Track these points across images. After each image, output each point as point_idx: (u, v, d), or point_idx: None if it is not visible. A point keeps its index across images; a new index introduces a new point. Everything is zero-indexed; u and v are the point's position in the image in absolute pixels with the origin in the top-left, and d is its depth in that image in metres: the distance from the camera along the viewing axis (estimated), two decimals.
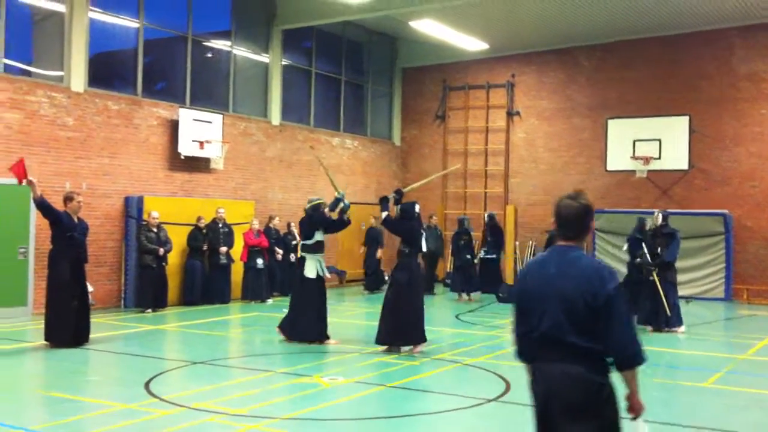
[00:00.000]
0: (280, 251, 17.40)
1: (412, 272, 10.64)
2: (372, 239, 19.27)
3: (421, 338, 10.53)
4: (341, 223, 11.82)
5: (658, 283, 12.94)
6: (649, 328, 13.09)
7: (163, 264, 14.81)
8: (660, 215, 13.44)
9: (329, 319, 11.55)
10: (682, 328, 13.08)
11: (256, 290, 16.61)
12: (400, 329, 10.41)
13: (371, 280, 19.38)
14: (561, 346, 3.64)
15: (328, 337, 11.30)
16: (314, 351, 10.73)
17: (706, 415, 7.57)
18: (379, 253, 19.20)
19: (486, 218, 18.96)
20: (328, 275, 11.83)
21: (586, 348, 3.61)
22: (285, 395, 8.02)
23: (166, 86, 17.26)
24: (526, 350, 3.87)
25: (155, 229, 14.66)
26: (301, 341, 11.11)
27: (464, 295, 17.71)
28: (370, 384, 8.59)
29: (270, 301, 16.64)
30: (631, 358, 3.63)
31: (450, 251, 19.21)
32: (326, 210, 11.76)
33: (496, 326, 13.72)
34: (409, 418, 7.25)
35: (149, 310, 14.48)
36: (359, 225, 21.41)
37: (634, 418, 3.79)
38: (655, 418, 7.18)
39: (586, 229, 3.91)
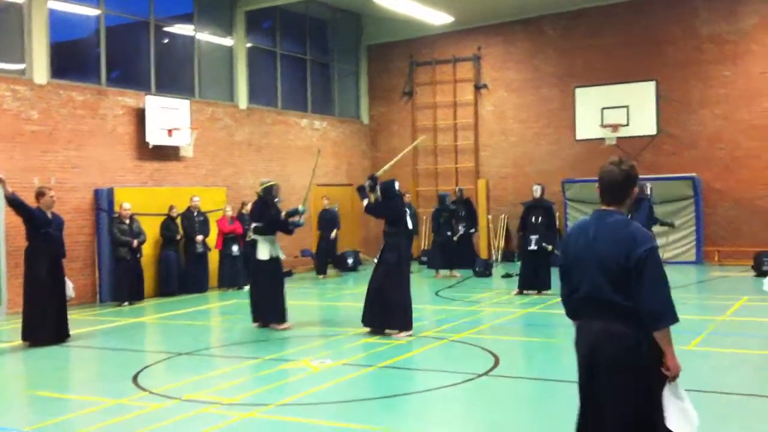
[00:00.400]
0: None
1: (400, 253, 10.45)
2: (327, 222, 18.79)
3: (408, 325, 10.33)
4: (284, 227, 11.53)
5: None
6: None
7: (138, 256, 14.63)
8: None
9: (290, 302, 11.49)
10: None
11: (232, 278, 16.49)
12: (388, 312, 10.29)
13: (323, 263, 18.89)
14: (602, 305, 3.89)
15: (284, 320, 11.17)
16: (299, 335, 10.68)
17: (695, 378, 7.64)
18: (334, 233, 18.75)
19: (457, 193, 18.85)
20: (282, 256, 11.46)
21: (625, 306, 3.83)
22: (275, 381, 7.98)
23: (130, 74, 16.95)
24: (572, 309, 4.16)
25: (127, 221, 14.45)
26: (264, 325, 11.10)
27: (448, 272, 17.62)
28: (359, 365, 8.58)
29: (247, 287, 16.48)
30: (659, 319, 3.79)
31: (430, 228, 19.08)
32: (278, 202, 11.55)
33: (476, 301, 13.78)
34: (403, 398, 7.25)
35: (126, 303, 14.30)
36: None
37: (672, 379, 3.90)
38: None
39: (627, 195, 4.10)
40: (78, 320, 12.07)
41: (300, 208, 11.66)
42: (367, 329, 10.52)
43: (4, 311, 13.36)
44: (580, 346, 4.13)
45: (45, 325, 10.19)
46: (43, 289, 10.19)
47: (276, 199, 11.47)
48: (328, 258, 18.98)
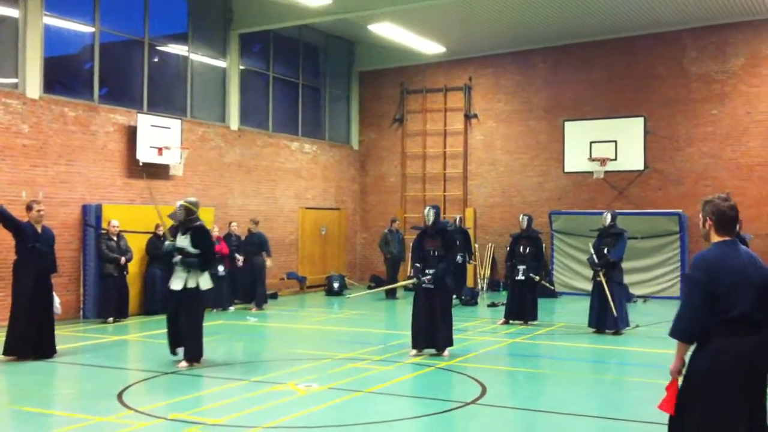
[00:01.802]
0: (241, 257, 17.18)
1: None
2: (254, 246, 16.94)
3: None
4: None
5: (605, 284, 12.90)
6: (591, 329, 13.11)
7: (125, 273, 14.55)
8: (609, 215, 13.53)
9: None
10: (627, 329, 13.12)
11: (217, 298, 16.35)
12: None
13: (262, 295, 16.84)
14: (755, 322, 4.42)
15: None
16: (285, 358, 10.64)
17: None
18: (269, 261, 17.02)
19: (457, 222, 18.59)
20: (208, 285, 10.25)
21: (766, 320, 4.45)
22: (262, 404, 7.92)
23: (123, 91, 16.95)
24: (704, 331, 4.42)
25: (115, 238, 14.40)
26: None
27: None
28: (346, 390, 8.54)
29: (232, 308, 16.45)
30: None
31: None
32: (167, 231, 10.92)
33: (462, 329, 13.76)
34: (389, 424, 7.22)
35: (110, 320, 14.20)
36: (319, 230, 21.40)
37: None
38: (642, 418, 7.30)
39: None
40: (63, 336, 11.91)
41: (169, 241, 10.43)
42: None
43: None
44: (728, 360, 4.38)
45: (29, 339, 10.08)
46: (29, 303, 10.10)
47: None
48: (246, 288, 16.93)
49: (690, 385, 4.47)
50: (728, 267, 4.47)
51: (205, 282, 10.10)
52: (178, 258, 10.02)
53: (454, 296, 17.21)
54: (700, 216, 4.73)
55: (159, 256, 15.31)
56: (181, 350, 10.03)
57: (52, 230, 10.88)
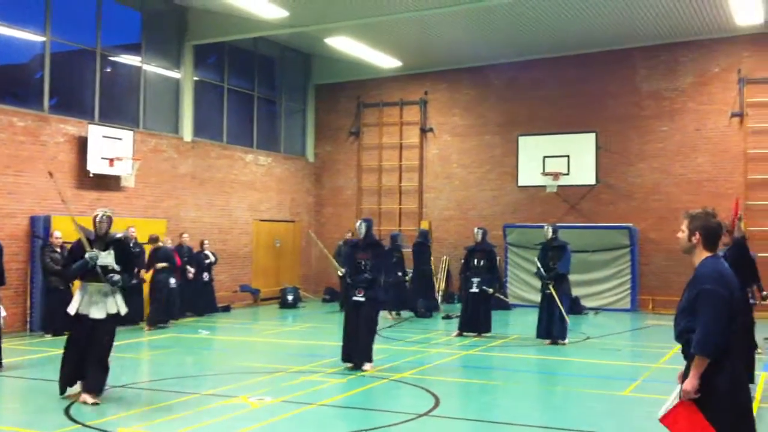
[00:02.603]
0: (192, 270, 17.01)
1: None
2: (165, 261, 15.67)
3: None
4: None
5: (555, 296, 13.17)
6: (547, 341, 13.33)
7: (70, 286, 14.20)
8: (550, 229, 13.78)
9: None
10: (566, 341, 13.32)
11: (167, 310, 16.12)
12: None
13: (160, 311, 15.56)
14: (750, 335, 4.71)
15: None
16: (238, 372, 10.51)
17: (629, 424, 7.80)
18: (173, 280, 15.88)
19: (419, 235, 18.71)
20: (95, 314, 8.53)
21: None
22: (214, 417, 7.80)
23: (73, 102, 16.67)
24: (729, 344, 4.39)
25: (59, 249, 14.06)
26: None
27: (394, 314, 17.36)
28: (299, 403, 8.46)
29: (177, 321, 16.21)
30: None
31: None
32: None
33: (416, 341, 13.79)
34: None
35: (50, 335, 13.79)
36: (273, 242, 21.27)
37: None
38: (594, 429, 7.37)
39: None
40: (7, 349, 11.60)
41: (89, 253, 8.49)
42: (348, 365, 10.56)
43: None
44: (745, 379, 4.52)
45: None
46: None
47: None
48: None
49: (713, 406, 4.34)
50: (732, 281, 4.53)
51: (123, 305, 8.72)
52: (97, 278, 8.44)
53: (415, 310, 17.34)
54: (685, 229, 4.66)
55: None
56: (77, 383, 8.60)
57: (0, 242, 10.61)
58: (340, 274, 10.98)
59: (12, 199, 14.39)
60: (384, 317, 17.08)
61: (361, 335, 10.42)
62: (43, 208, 14.87)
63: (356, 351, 10.44)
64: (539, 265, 13.55)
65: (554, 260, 13.42)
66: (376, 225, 22.37)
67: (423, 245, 18.20)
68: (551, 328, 13.23)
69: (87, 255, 8.37)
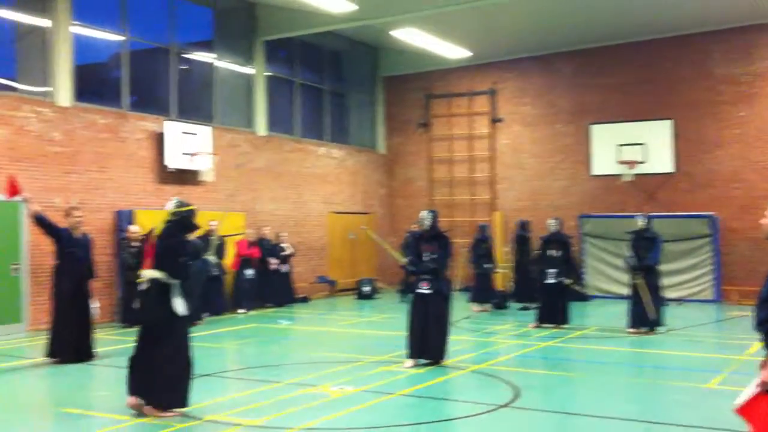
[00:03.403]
0: (274, 261, 17.44)
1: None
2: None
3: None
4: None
5: (645, 286, 13.05)
6: (632, 330, 13.25)
7: None
8: (641, 219, 13.63)
9: None
10: (662, 330, 13.24)
11: (248, 300, 16.64)
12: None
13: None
14: None
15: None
16: (318, 361, 10.67)
17: (716, 416, 7.62)
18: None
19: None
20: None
21: None
22: (296, 406, 7.94)
23: (151, 99, 17.14)
24: None
25: (135, 244, 14.39)
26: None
27: (483, 305, 16.88)
28: (378, 393, 8.55)
29: (247, 311, 16.55)
30: None
31: (468, 259, 18.09)
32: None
33: (493, 333, 13.75)
34: (425, 426, 7.22)
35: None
36: (347, 234, 21.45)
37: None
38: (679, 422, 7.26)
39: None
40: (99, 339, 12.05)
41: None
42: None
43: (25, 328, 13.44)
44: None
45: (69, 343, 10.25)
46: (67, 307, 10.26)
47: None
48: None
49: None
50: None
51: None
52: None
53: (488, 302, 17.10)
54: None
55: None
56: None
57: (89, 236, 11.03)
58: (402, 263, 10.82)
59: (97, 195, 14.89)
60: (471, 309, 17.00)
61: (432, 331, 10.09)
62: (127, 203, 15.34)
63: (428, 347, 10.12)
64: (629, 254, 13.38)
65: (645, 251, 13.25)
66: (449, 216, 22.42)
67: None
68: (642, 318, 13.17)
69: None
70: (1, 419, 7.50)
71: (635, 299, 13.28)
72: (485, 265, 17.11)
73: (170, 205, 7.77)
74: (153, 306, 7.46)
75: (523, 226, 18.25)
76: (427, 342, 10.09)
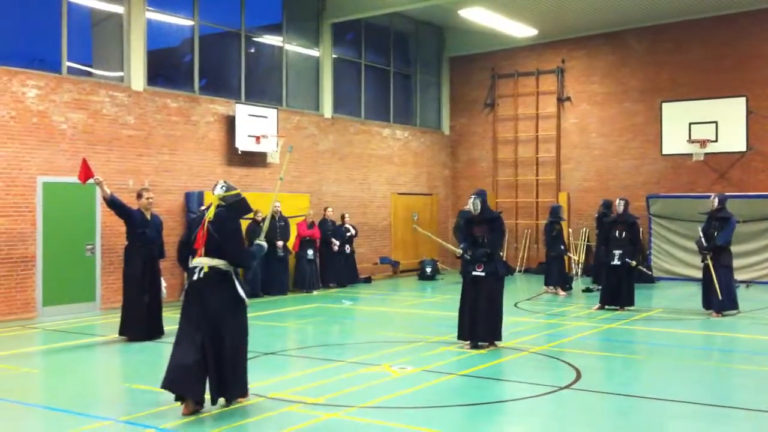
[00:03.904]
0: (337, 242, 17.69)
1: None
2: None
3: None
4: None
5: (711, 268, 12.87)
6: (706, 311, 13.15)
7: None
8: (716, 199, 13.36)
9: None
10: (734, 312, 13.03)
11: (310, 281, 16.95)
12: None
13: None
14: None
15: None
16: (379, 341, 10.85)
17: None
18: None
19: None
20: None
21: None
22: (357, 384, 8.13)
23: (221, 82, 17.51)
24: None
25: None
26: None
27: (559, 290, 16.50)
28: (439, 372, 8.67)
29: (315, 292, 16.83)
30: None
31: (543, 241, 17.93)
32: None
33: (556, 314, 13.70)
34: (485, 406, 7.31)
35: None
36: (411, 215, 21.56)
37: None
38: (744, 405, 7.18)
39: None
40: (168, 318, 12.49)
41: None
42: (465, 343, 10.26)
43: (98, 306, 14.01)
44: None
45: (139, 321, 10.65)
46: (137, 287, 10.66)
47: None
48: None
49: None
50: None
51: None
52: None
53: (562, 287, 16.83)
54: None
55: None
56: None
57: (160, 217, 11.42)
58: (458, 254, 10.34)
59: (168, 177, 15.34)
60: (546, 292, 16.81)
61: (484, 313, 9.96)
62: (196, 185, 15.76)
63: (480, 329, 10.03)
64: (701, 235, 13.19)
65: (717, 231, 13.03)
66: (512, 197, 22.32)
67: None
68: (709, 300, 13.04)
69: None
70: (73, 394, 7.89)
71: (706, 281, 13.09)
72: (560, 248, 16.67)
73: (219, 190, 7.40)
74: (214, 295, 7.05)
75: (607, 206, 17.70)
76: (478, 324, 10.01)
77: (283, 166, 9.01)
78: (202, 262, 7.11)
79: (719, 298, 12.83)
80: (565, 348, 10.23)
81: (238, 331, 7.18)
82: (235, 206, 7.39)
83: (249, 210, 7.61)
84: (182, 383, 6.94)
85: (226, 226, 7.22)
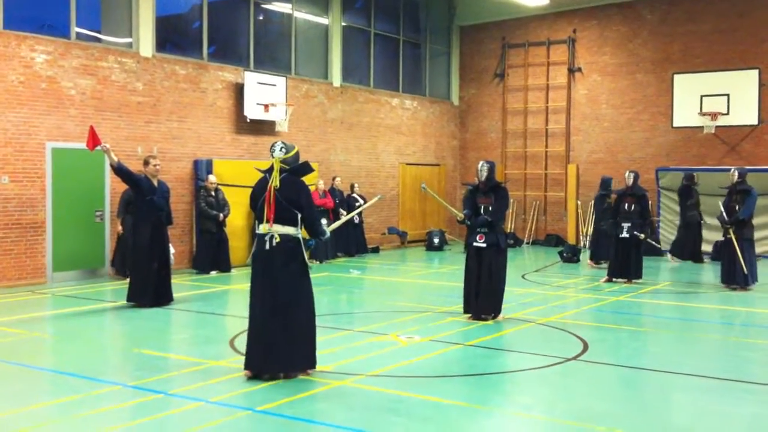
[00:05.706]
0: (345, 212, 17.62)
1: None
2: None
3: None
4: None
5: (734, 241, 12.82)
6: (724, 285, 13.12)
7: (223, 228, 14.95)
8: (736, 172, 13.29)
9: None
10: (753, 286, 13.02)
11: (319, 252, 16.94)
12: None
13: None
14: None
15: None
16: (387, 310, 10.89)
17: None
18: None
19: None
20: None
21: None
22: (366, 353, 8.18)
23: (229, 50, 17.40)
24: None
25: (213, 193, 14.82)
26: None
27: (600, 264, 16.11)
28: (447, 342, 8.71)
29: (319, 262, 16.87)
30: None
31: (592, 215, 17.64)
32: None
33: (563, 286, 13.71)
34: (493, 376, 7.35)
35: (214, 273, 14.72)
36: (419, 185, 21.49)
37: None
38: (751, 379, 7.18)
39: None
40: (176, 285, 12.54)
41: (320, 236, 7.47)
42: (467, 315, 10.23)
43: (107, 273, 14.07)
44: None
45: (148, 288, 10.70)
46: (145, 253, 10.70)
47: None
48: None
49: None
50: None
51: None
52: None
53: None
54: None
55: None
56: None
57: (167, 184, 11.42)
58: (459, 219, 10.31)
59: (177, 144, 15.32)
60: (588, 265, 16.58)
61: (486, 285, 9.88)
62: (205, 152, 15.74)
63: (480, 303, 9.98)
64: (722, 209, 13.14)
65: (739, 204, 12.97)
66: (521, 168, 22.24)
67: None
68: (732, 274, 12.99)
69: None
70: (83, 359, 7.95)
71: (728, 255, 13.04)
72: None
73: (279, 153, 6.96)
74: (286, 264, 6.95)
75: (606, 185, 17.43)
76: (479, 297, 9.97)
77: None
78: (273, 230, 6.92)
79: (744, 272, 12.78)
80: (572, 320, 10.25)
81: (307, 299, 7.18)
82: (299, 171, 7.10)
83: (311, 170, 7.28)
84: (263, 364, 6.99)
85: (301, 196, 6.99)
